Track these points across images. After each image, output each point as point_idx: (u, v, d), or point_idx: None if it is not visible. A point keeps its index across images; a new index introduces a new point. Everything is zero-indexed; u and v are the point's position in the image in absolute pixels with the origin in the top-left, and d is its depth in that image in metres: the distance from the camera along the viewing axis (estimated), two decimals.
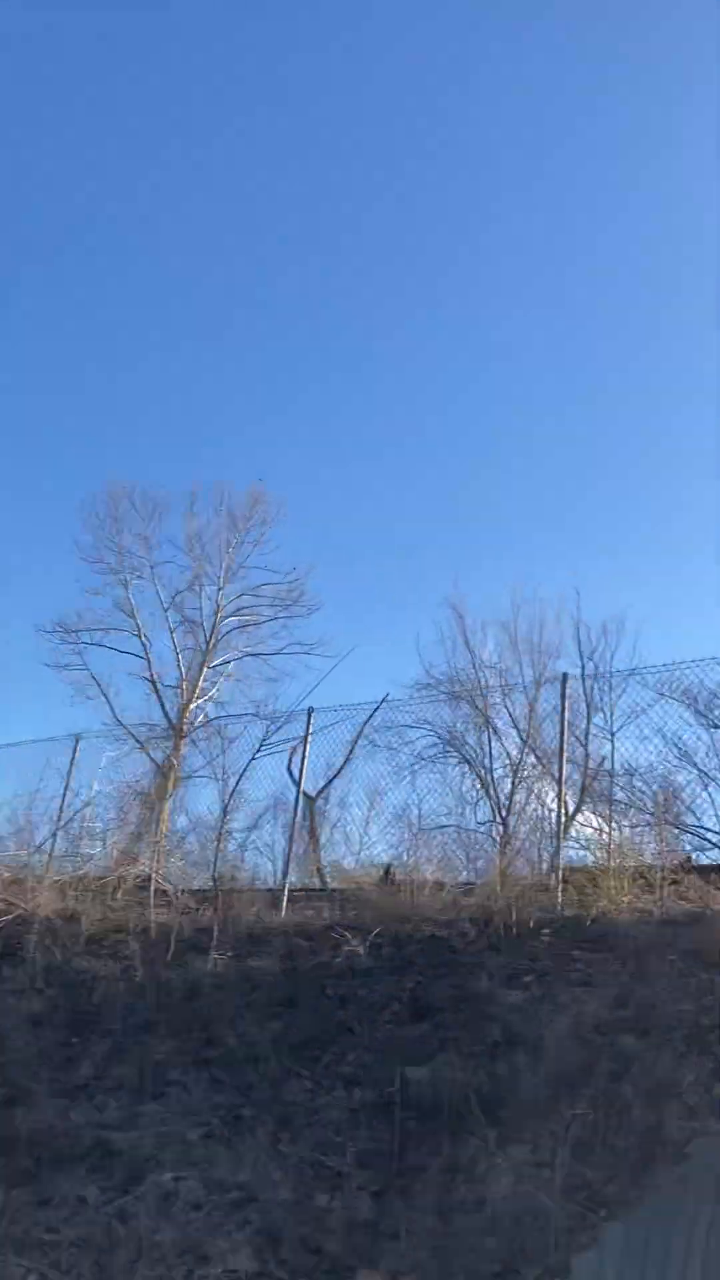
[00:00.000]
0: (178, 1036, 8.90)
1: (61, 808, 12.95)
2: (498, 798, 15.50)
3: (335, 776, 14.52)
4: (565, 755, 12.23)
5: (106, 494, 22.31)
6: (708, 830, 13.46)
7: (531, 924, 9.11)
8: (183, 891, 10.82)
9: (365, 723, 14.07)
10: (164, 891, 10.99)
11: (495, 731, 15.87)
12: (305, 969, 9.16)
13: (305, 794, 14.29)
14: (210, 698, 17.75)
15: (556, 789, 11.38)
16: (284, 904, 10.68)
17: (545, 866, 11.25)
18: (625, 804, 13.72)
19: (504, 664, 16.99)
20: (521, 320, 37.89)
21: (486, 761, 15.80)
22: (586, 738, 14.89)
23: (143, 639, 19.82)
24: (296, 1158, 7.72)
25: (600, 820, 13.63)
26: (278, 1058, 8.38)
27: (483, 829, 14.78)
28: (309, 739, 12.12)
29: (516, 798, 15.26)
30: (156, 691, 18.12)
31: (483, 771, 15.77)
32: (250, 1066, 8.40)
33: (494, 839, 13.98)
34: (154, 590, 19.96)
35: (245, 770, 12.33)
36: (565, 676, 11.23)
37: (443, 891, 9.92)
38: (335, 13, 37.95)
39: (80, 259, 39.01)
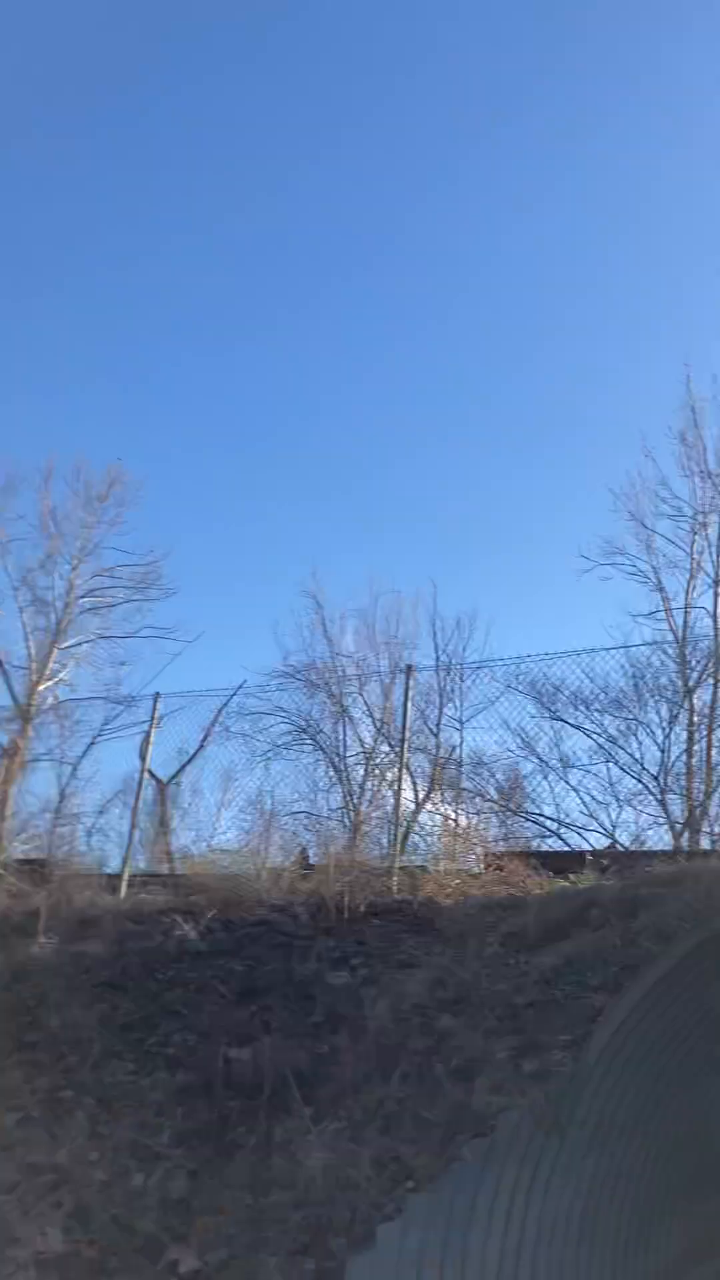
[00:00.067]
0: (0, 1020, 8.83)
1: None
2: (350, 785, 15.81)
3: (188, 762, 14.58)
4: (411, 744, 12.61)
5: None
6: (547, 819, 14.02)
7: (363, 909, 9.35)
8: (16, 874, 10.70)
9: (221, 709, 14.16)
10: None
11: (351, 720, 16.17)
12: (135, 952, 9.19)
13: (157, 779, 14.30)
14: (60, 680, 17.45)
15: (397, 777, 11.64)
16: (123, 888, 10.67)
17: (388, 852, 11.58)
18: (472, 792, 14.19)
19: (361, 653, 17.27)
20: (388, 309, 38.23)
21: (341, 749, 16.09)
22: (438, 727, 15.34)
23: None
24: (115, 1139, 7.75)
25: (447, 807, 14.08)
26: (102, 1040, 8.40)
27: (334, 815, 15.07)
28: (156, 724, 12.10)
29: (369, 785, 15.61)
30: (4, 672, 17.74)
31: (337, 759, 16.05)
32: (73, 1049, 8.39)
33: (345, 825, 14.28)
34: (2, 568, 19.45)
35: (85, 754, 12.24)
36: (409, 669, 11.52)
37: (280, 876, 10.08)
38: None
39: None
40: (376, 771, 15.39)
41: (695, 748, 13.66)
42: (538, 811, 13.99)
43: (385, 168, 38.59)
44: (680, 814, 13.45)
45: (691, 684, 13.96)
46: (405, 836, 13.85)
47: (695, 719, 13.75)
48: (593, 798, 13.60)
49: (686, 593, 15.27)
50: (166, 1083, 8.10)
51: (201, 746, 14.35)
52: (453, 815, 13.71)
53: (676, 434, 16.54)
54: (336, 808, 15.30)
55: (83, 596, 18.61)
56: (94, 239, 36.04)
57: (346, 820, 14.57)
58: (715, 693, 13.80)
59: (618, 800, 13.57)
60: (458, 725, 14.65)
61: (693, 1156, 8.35)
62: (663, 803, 13.50)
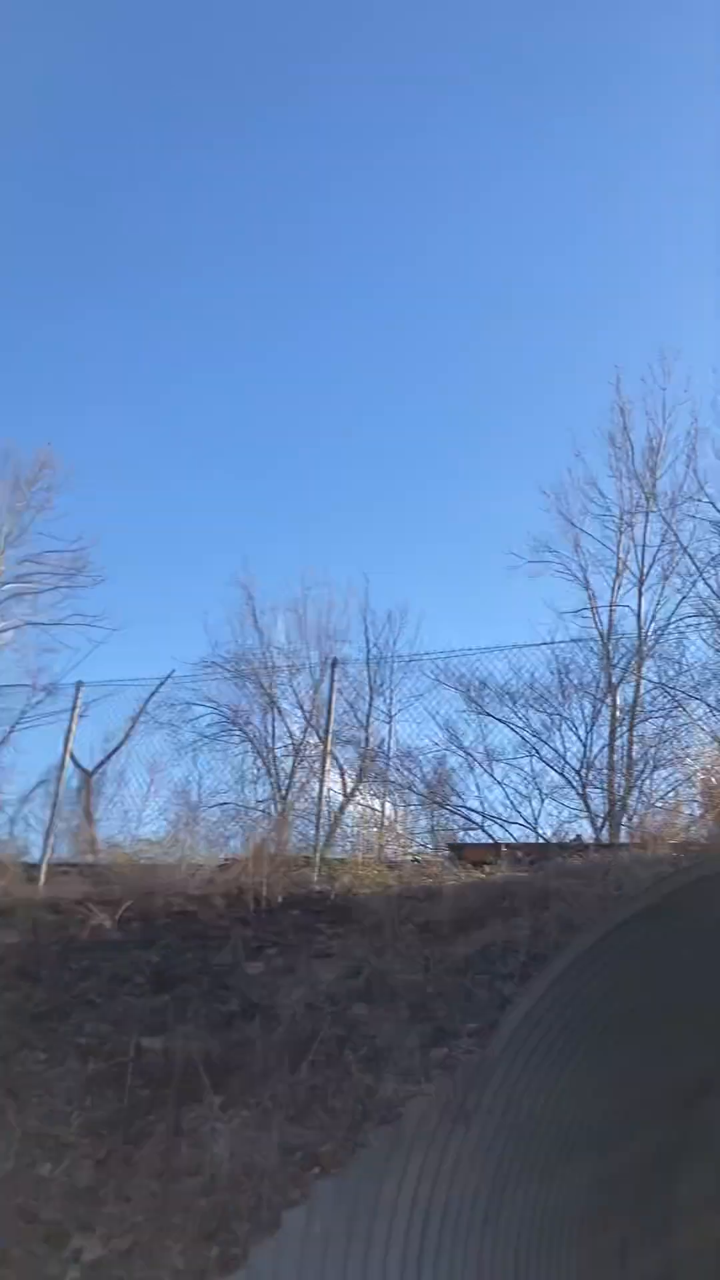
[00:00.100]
0: None
1: None
2: (278, 776, 15.85)
3: (114, 752, 14.49)
4: (339, 736, 12.70)
5: None
6: (472, 811, 14.21)
7: (281, 899, 9.39)
8: None
9: (148, 698, 14.11)
10: None
11: (280, 712, 16.23)
12: (49, 942, 9.14)
13: (82, 768, 14.20)
14: None
15: (320, 769, 11.71)
16: (41, 878, 10.60)
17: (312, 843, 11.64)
18: (399, 785, 14.32)
19: (292, 645, 17.32)
20: (316, 294, 38.08)
21: (269, 741, 16.13)
22: (368, 720, 15.46)
23: None
24: (23, 1129, 7.72)
25: (374, 800, 14.19)
26: (12, 1030, 8.35)
27: (261, 806, 15.11)
28: (80, 713, 12.01)
29: (297, 776, 15.67)
30: None
31: (265, 750, 16.09)
32: None
33: (271, 817, 14.32)
34: None
35: (4, 741, 12.10)
36: (335, 661, 11.60)
37: (199, 867, 10.07)
38: None
39: None
40: (304, 763, 15.47)
41: (617, 743, 13.96)
42: (463, 804, 14.18)
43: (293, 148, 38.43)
44: (601, 808, 13.73)
45: (615, 680, 14.26)
46: (334, 828, 13.97)
47: (618, 715, 14.04)
48: (517, 791, 13.85)
49: (613, 591, 15.60)
50: (77, 1072, 8.07)
51: (127, 736, 14.29)
52: (378, 807, 13.85)
53: (606, 435, 16.86)
54: (264, 799, 15.37)
55: (9, 582, 18.43)
56: (9, 219, 35.14)
57: (273, 812, 14.63)
58: (637, 690, 14.10)
59: (541, 793, 13.82)
60: (387, 718, 14.80)
61: (599, 1144, 8.54)
62: (584, 796, 13.78)
